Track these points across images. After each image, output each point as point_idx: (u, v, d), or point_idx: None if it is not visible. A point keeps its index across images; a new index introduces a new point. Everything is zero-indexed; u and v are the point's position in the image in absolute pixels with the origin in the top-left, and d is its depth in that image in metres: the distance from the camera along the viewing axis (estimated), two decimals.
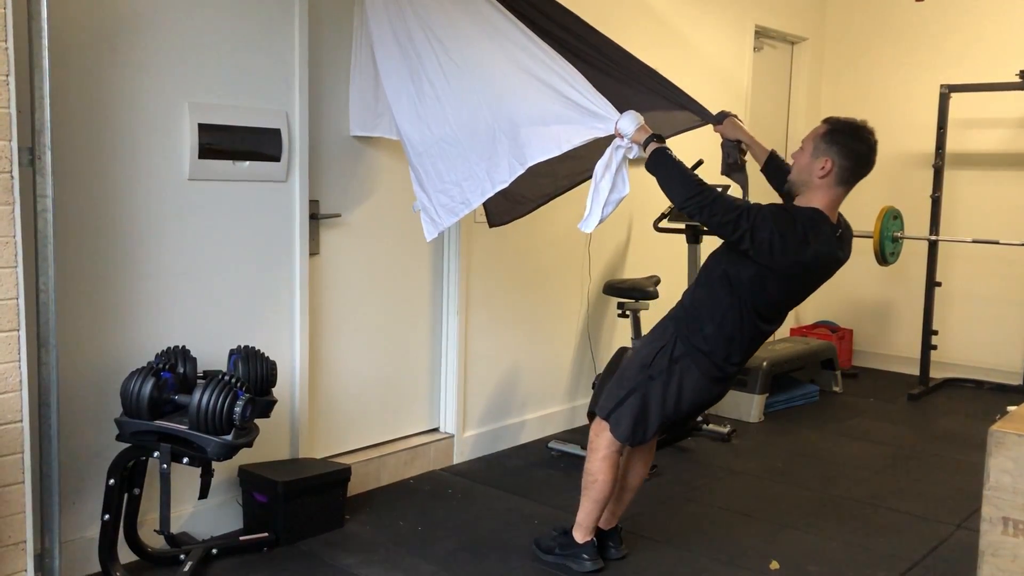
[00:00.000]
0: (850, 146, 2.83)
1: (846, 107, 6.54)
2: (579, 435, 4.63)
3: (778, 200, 3.06)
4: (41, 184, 2.61)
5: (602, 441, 3.07)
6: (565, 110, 2.94)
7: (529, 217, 3.83)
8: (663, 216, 4.77)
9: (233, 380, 2.84)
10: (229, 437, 2.78)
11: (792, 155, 2.97)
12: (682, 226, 4.76)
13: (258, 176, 3.39)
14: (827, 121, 2.91)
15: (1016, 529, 2.18)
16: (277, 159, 3.42)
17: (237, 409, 2.76)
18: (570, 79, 2.96)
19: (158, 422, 2.81)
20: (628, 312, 4.52)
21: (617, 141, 2.91)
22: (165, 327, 3.18)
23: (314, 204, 3.65)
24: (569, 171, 3.52)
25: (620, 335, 5.04)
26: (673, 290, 4.83)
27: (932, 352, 5.94)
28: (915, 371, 6.07)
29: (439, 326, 4.28)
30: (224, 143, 3.26)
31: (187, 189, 3.20)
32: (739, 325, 2.94)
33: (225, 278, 3.34)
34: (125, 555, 3.01)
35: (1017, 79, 5.42)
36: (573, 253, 4.81)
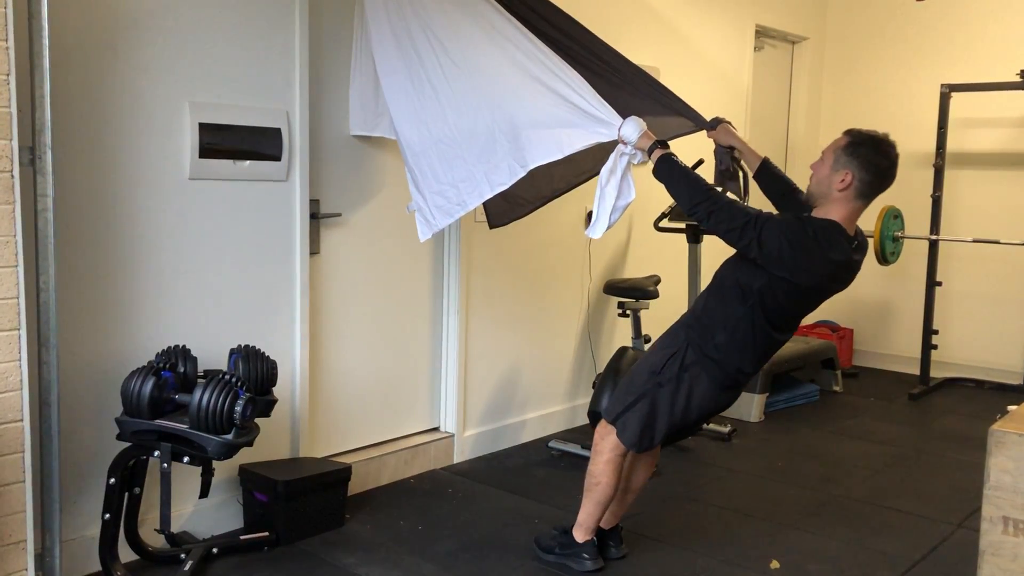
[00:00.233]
0: (871, 160, 2.79)
1: (847, 106, 6.58)
2: (579, 434, 4.64)
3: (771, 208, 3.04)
4: (42, 183, 2.61)
5: (607, 444, 3.06)
6: (567, 114, 2.93)
7: (529, 217, 3.83)
8: (663, 216, 4.77)
9: (233, 379, 2.84)
10: (229, 436, 2.78)
11: (811, 166, 2.92)
12: (682, 226, 4.77)
13: (259, 175, 3.39)
14: (848, 133, 2.86)
15: (1016, 529, 2.18)
16: (278, 158, 3.43)
17: (238, 408, 2.76)
18: (571, 83, 2.95)
19: (159, 421, 2.81)
20: (628, 312, 4.52)
21: (621, 148, 2.89)
22: (165, 326, 3.18)
23: (314, 203, 3.65)
24: (565, 173, 3.52)
25: (620, 335, 5.04)
26: (674, 290, 4.87)
27: (932, 352, 5.94)
28: (915, 371, 6.07)
29: (439, 325, 4.28)
30: (225, 142, 3.26)
31: (188, 188, 3.20)
32: (751, 334, 2.91)
33: (226, 277, 3.34)
34: (126, 554, 3.01)
35: (1017, 79, 5.42)
36: (573, 252, 4.81)
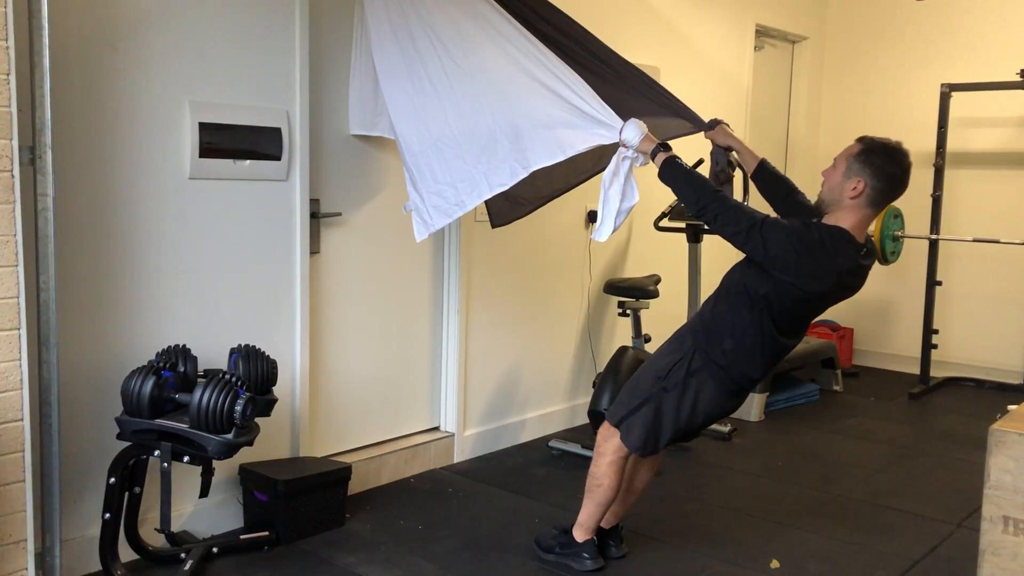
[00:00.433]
0: (884, 168, 2.76)
1: (847, 106, 6.59)
2: (580, 434, 4.64)
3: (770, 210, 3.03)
4: (42, 183, 2.61)
5: (610, 446, 3.06)
6: (569, 115, 2.92)
7: (529, 217, 3.82)
8: (664, 215, 4.77)
9: (234, 379, 2.84)
10: (230, 436, 2.78)
11: (822, 172, 2.89)
12: (682, 225, 4.77)
13: (259, 175, 3.39)
14: (861, 140, 2.83)
15: (1016, 528, 2.18)
16: (278, 158, 3.42)
17: (238, 408, 2.76)
18: (573, 84, 2.94)
19: (159, 421, 2.81)
20: (629, 311, 4.52)
21: (623, 151, 2.89)
22: (165, 326, 3.18)
23: (315, 203, 3.65)
24: (565, 173, 3.51)
25: (621, 334, 5.04)
26: (674, 290, 4.88)
27: (933, 351, 5.94)
28: (916, 370, 6.07)
29: (439, 325, 4.28)
30: (225, 142, 3.26)
31: (188, 188, 3.20)
32: (759, 340, 2.89)
33: (226, 277, 3.34)
34: (126, 554, 3.01)
35: (1018, 78, 5.41)
36: (573, 252, 4.81)
